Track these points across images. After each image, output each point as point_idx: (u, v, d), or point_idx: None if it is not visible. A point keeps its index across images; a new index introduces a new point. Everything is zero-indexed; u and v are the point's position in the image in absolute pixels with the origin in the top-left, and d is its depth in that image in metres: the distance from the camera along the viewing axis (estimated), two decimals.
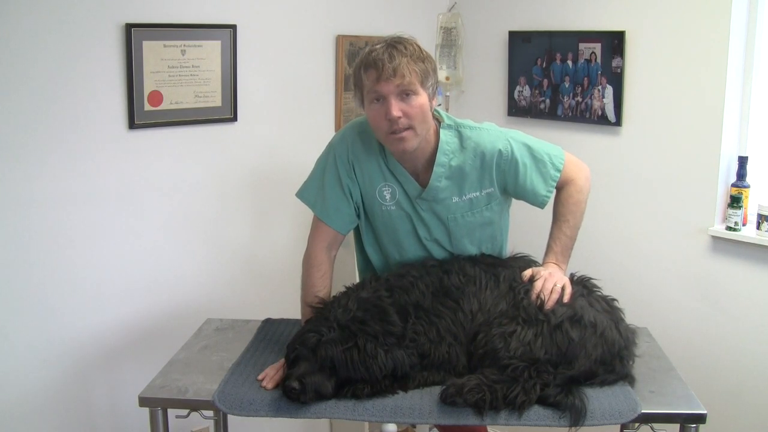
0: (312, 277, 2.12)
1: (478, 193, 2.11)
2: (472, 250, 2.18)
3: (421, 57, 1.96)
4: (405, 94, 1.92)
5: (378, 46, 1.95)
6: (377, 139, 2.08)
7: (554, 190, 2.15)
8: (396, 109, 1.91)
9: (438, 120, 2.11)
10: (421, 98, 1.95)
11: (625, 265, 3.10)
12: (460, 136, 2.09)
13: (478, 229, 2.16)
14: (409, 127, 1.95)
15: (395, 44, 1.95)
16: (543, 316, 1.89)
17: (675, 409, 1.82)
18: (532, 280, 1.99)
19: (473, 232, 2.16)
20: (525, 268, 2.06)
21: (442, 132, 2.08)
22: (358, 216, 2.18)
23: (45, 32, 2.41)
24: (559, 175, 2.13)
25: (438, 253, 2.18)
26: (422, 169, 2.09)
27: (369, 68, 1.94)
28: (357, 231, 2.28)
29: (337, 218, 2.14)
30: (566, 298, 1.95)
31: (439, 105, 2.06)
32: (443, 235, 2.15)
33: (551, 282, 1.97)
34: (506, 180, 2.11)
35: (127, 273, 2.74)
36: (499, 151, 2.07)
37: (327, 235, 2.15)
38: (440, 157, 2.07)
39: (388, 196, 2.12)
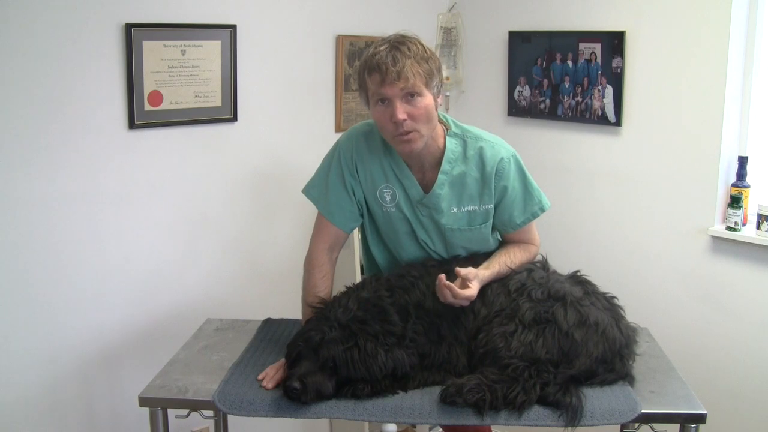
0: (313, 278, 2.12)
1: (476, 207, 2.11)
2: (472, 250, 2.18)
3: (425, 57, 1.94)
4: (410, 95, 1.92)
5: (381, 48, 1.93)
6: (384, 140, 2.08)
7: (526, 226, 2.14)
8: (401, 111, 1.91)
9: (446, 126, 2.11)
10: (426, 99, 1.94)
11: (625, 265, 3.10)
12: (465, 145, 2.10)
13: (475, 244, 2.16)
14: (415, 129, 1.95)
15: (398, 45, 1.93)
16: (551, 316, 1.88)
17: (675, 409, 1.82)
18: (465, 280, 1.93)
19: (470, 246, 2.16)
20: (525, 269, 2.07)
21: (448, 140, 2.09)
22: (362, 215, 2.19)
23: (45, 32, 2.41)
24: (540, 214, 2.14)
25: (436, 256, 2.18)
26: (429, 170, 2.10)
27: (372, 72, 1.92)
28: (363, 231, 2.28)
29: (340, 216, 2.14)
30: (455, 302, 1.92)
31: (440, 105, 2.05)
32: (440, 244, 2.16)
33: (470, 293, 1.91)
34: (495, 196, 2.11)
35: (128, 273, 2.74)
36: (501, 159, 2.07)
37: (329, 235, 2.16)
38: (444, 165, 2.07)
39: (388, 198, 2.12)
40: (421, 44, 1.97)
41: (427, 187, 2.10)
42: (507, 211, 2.12)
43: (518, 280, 2.00)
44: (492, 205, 2.11)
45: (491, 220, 2.13)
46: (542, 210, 2.14)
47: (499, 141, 2.13)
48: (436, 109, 2.00)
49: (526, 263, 2.11)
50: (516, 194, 2.11)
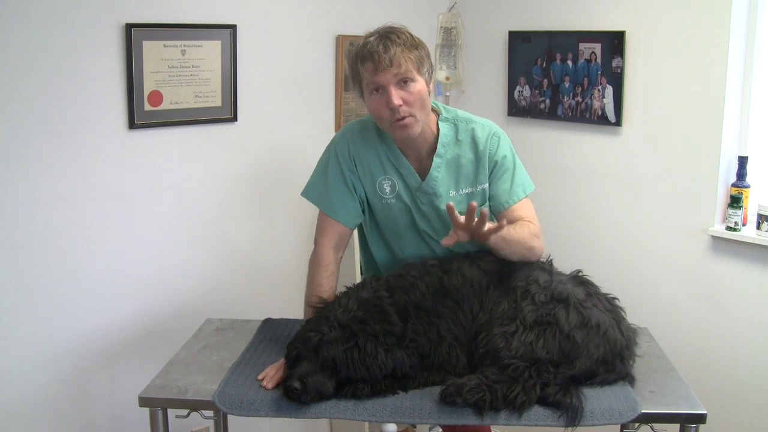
0: (319, 277, 2.13)
1: (473, 189, 2.14)
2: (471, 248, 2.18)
3: (414, 44, 2.01)
4: (403, 81, 1.97)
5: (371, 39, 2.00)
6: (379, 131, 2.12)
7: (509, 207, 2.13)
8: (396, 97, 1.96)
9: (437, 112, 2.15)
10: (419, 84, 1.99)
11: (625, 265, 3.10)
12: (456, 129, 2.15)
13: None
14: (411, 114, 1.99)
15: (388, 34, 1.99)
16: (552, 318, 1.88)
17: (675, 409, 1.82)
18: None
19: None
20: (526, 268, 2.06)
21: (440, 125, 2.14)
22: (363, 211, 2.19)
23: (45, 32, 2.41)
24: (523, 196, 2.14)
25: (438, 249, 2.19)
26: (425, 157, 2.13)
27: (366, 60, 1.98)
28: (361, 230, 2.29)
29: (343, 212, 2.15)
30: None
31: (431, 92, 2.09)
32: (442, 233, 2.15)
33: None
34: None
35: (127, 273, 2.74)
36: (492, 135, 2.13)
37: (334, 233, 2.16)
38: (439, 148, 2.12)
39: (387, 189, 2.15)
40: (409, 33, 2.04)
41: (424, 174, 2.14)
42: (492, 188, 2.14)
43: (522, 287, 1.99)
44: (488, 184, 2.14)
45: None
46: (525, 193, 2.15)
47: (489, 122, 2.19)
48: (429, 95, 2.05)
49: (530, 239, 2.04)
50: (505, 169, 2.13)
